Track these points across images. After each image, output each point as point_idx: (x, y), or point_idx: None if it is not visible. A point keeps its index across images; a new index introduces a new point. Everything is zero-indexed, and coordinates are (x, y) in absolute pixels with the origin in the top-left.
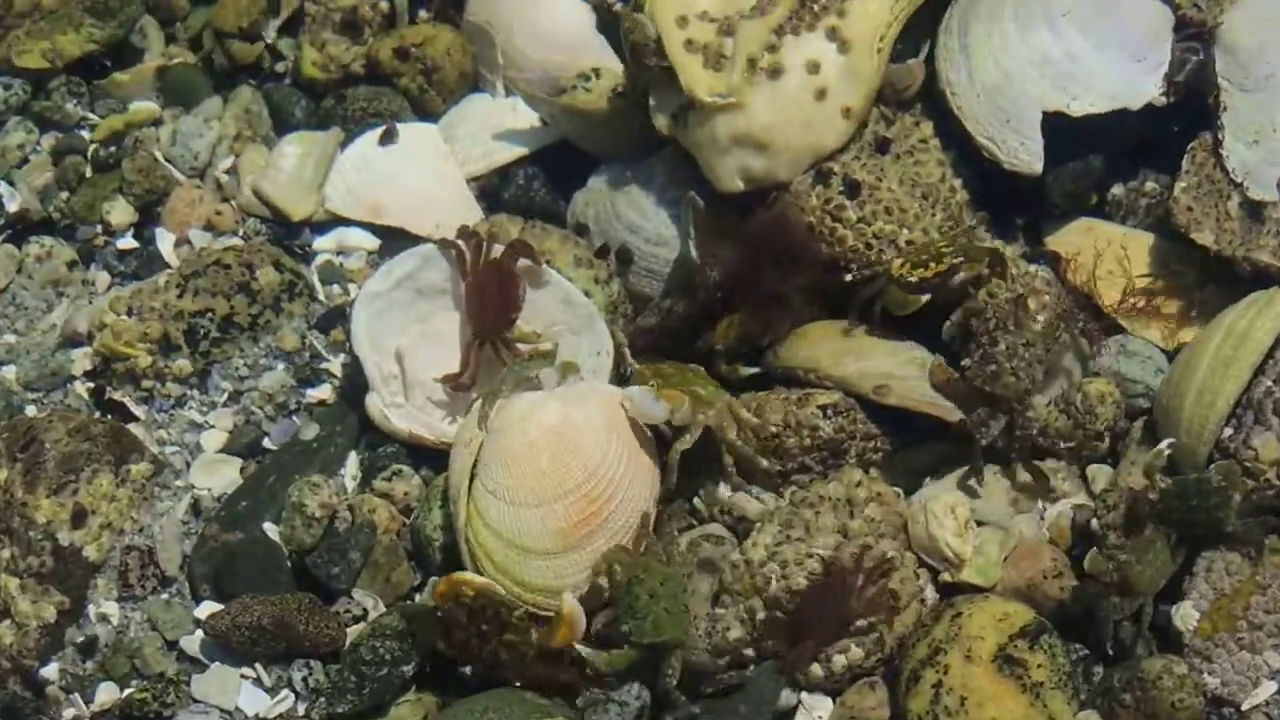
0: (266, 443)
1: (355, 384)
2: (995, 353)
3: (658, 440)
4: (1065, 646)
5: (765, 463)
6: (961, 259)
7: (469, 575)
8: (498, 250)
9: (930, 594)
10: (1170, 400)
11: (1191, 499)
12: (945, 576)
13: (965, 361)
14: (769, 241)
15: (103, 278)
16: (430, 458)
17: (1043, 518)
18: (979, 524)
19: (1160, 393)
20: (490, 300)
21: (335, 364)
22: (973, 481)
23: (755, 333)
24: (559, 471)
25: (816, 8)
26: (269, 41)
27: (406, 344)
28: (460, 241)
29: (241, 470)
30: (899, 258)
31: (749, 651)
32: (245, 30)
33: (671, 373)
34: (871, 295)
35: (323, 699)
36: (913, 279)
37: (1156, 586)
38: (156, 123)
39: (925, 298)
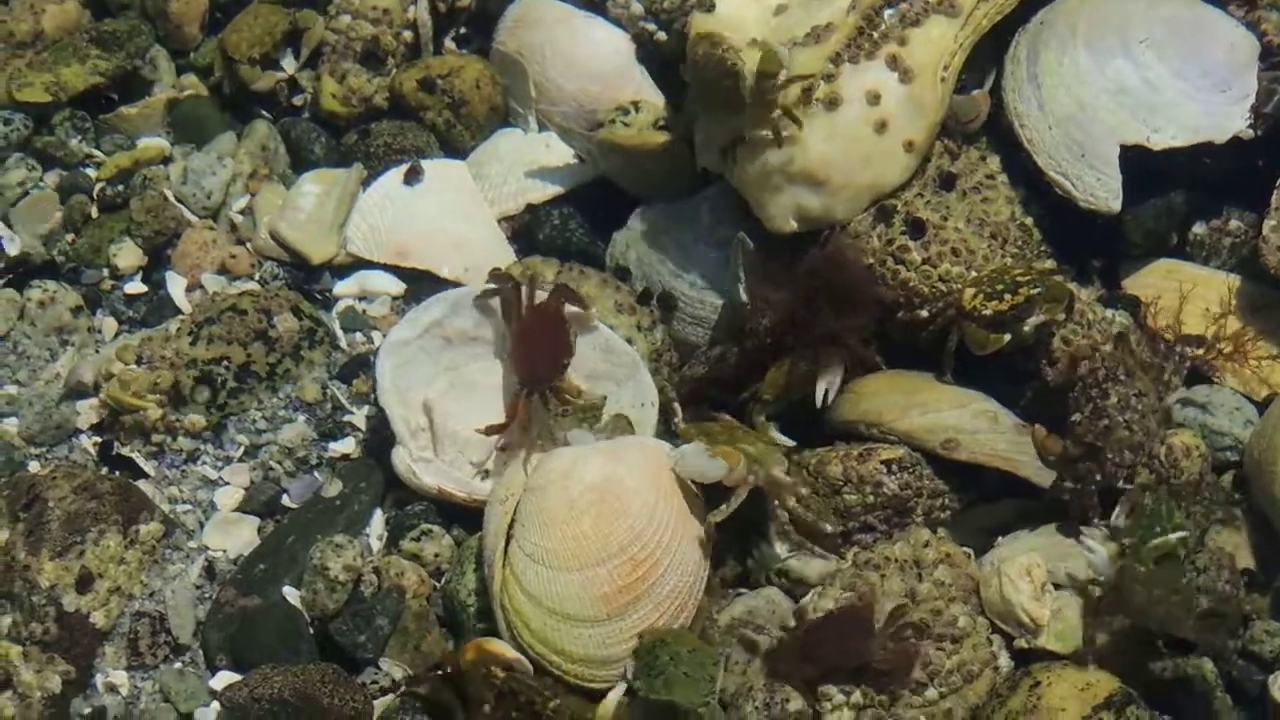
0: (285, 500)
1: (380, 437)
2: (1107, 406)
3: (707, 500)
4: (1152, 715)
5: (829, 526)
6: (1039, 290)
7: (499, 646)
8: (540, 296)
9: (1005, 661)
10: (1263, 454)
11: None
12: (1021, 643)
13: (1075, 417)
14: (823, 282)
15: (110, 324)
16: (462, 516)
17: None
18: (1056, 587)
19: (1251, 445)
20: (540, 347)
21: (359, 416)
22: (1072, 540)
23: (806, 384)
24: (602, 534)
25: (876, 35)
26: (287, 74)
27: (435, 395)
28: (505, 285)
29: (259, 530)
30: (970, 287)
31: None
32: (258, 60)
33: (719, 430)
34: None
35: None
36: (987, 312)
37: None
38: (166, 160)
39: (1007, 337)
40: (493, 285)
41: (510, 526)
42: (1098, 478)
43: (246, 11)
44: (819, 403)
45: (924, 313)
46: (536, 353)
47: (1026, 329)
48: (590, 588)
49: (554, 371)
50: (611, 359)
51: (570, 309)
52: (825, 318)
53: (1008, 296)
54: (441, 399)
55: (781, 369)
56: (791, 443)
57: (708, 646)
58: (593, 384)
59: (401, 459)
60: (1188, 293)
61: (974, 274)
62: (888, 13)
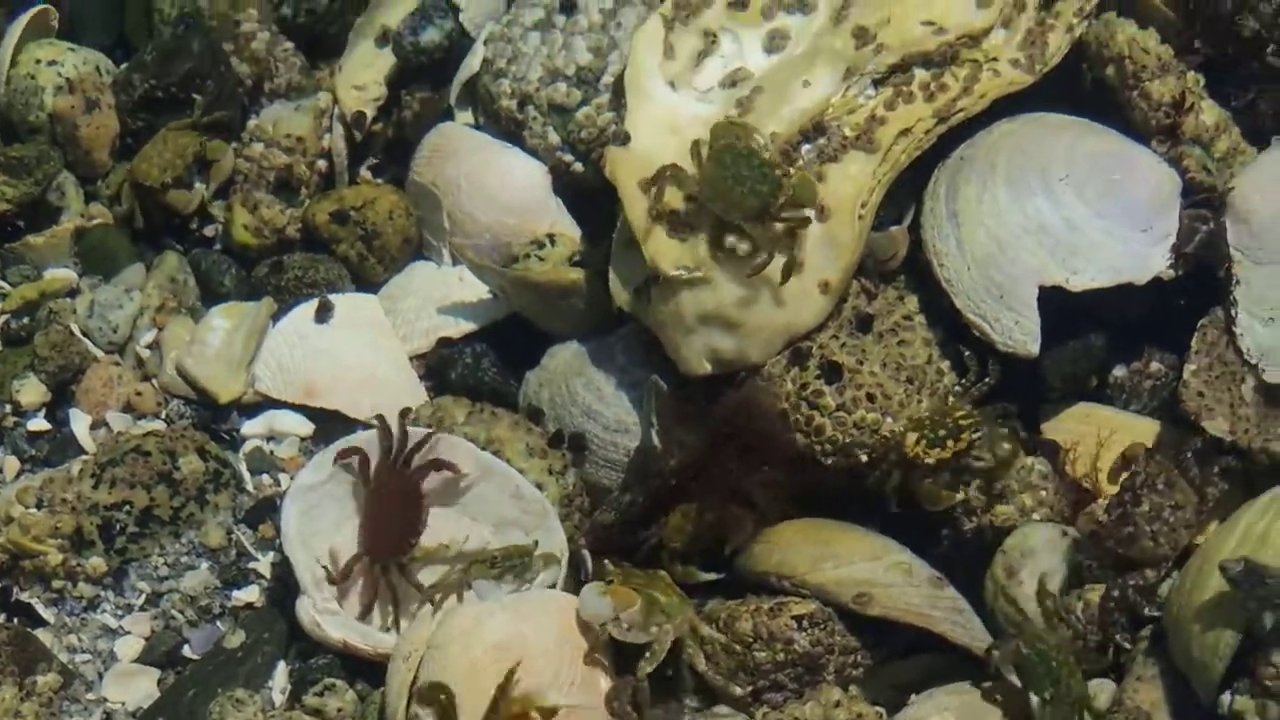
0: (187, 651)
1: (285, 586)
2: (1136, 514)
3: (619, 658)
4: None
5: (739, 690)
6: (981, 435)
7: None
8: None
9: None
10: (1181, 610)
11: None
12: None
13: (1102, 517)
14: (734, 428)
15: (11, 464)
16: (367, 670)
17: None
18: None
19: (1169, 600)
20: (389, 521)
21: (264, 563)
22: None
23: (713, 532)
24: None
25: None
26: (209, 192)
27: (341, 543)
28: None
29: (159, 682)
30: (912, 431)
31: None
32: (170, 185)
33: (639, 579)
34: (892, 487)
35: None
36: (929, 460)
37: None
38: (73, 292)
39: (960, 495)
40: (347, 453)
41: (413, 685)
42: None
43: (155, 139)
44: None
45: (859, 458)
46: (384, 526)
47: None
48: None
49: (398, 550)
50: (521, 505)
51: (440, 474)
52: (733, 471)
53: (950, 442)
54: (347, 547)
55: (687, 516)
56: (713, 576)
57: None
58: (501, 531)
59: (305, 610)
60: (1105, 438)
61: (889, 419)
62: (805, 148)
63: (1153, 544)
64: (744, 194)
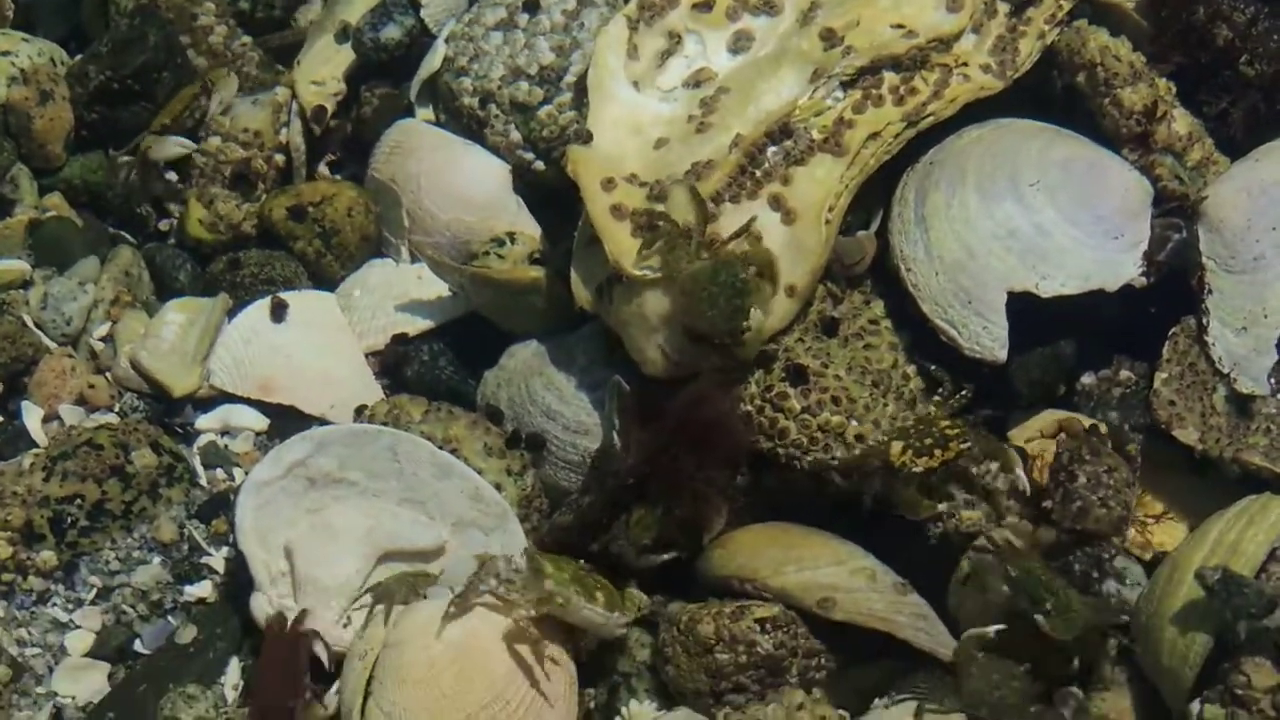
0: (138, 646)
1: (239, 581)
2: (1077, 488)
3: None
4: None
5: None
6: (969, 445)
7: None
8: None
9: None
10: (1150, 619)
11: None
12: None
13: (1046, 504)
14: (686, 427)
15: None
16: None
17: None
18: None
19: (1139, 609)
20: (272, 687)
21: (217, 558)
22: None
23: (682, 526)
24: (462, 693)
25: (759, 173)
26: (195, 148)
27: (297, 538)
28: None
29: (110, 677)
30: (897, 440)
31: None
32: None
33: (574, 569)
34: (874, 495)
35: None
36: (917, 469)
37: None
38: (26, 284)
39: (943, 506)
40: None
41: (369, 683)
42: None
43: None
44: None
45: (829, 463)
46: (268, 689)
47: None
48: None
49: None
50: (480, 507)
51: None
52: (685, 466)
53: (938, 452)
54: (303, 543)
55: (652, 513)
56: (671, 555)
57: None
58: (459, 531)
59: (260, 606)
60: None
61: (854, 423)
62: (771, 150)
63: (1105, 510)
64: (714, 317)
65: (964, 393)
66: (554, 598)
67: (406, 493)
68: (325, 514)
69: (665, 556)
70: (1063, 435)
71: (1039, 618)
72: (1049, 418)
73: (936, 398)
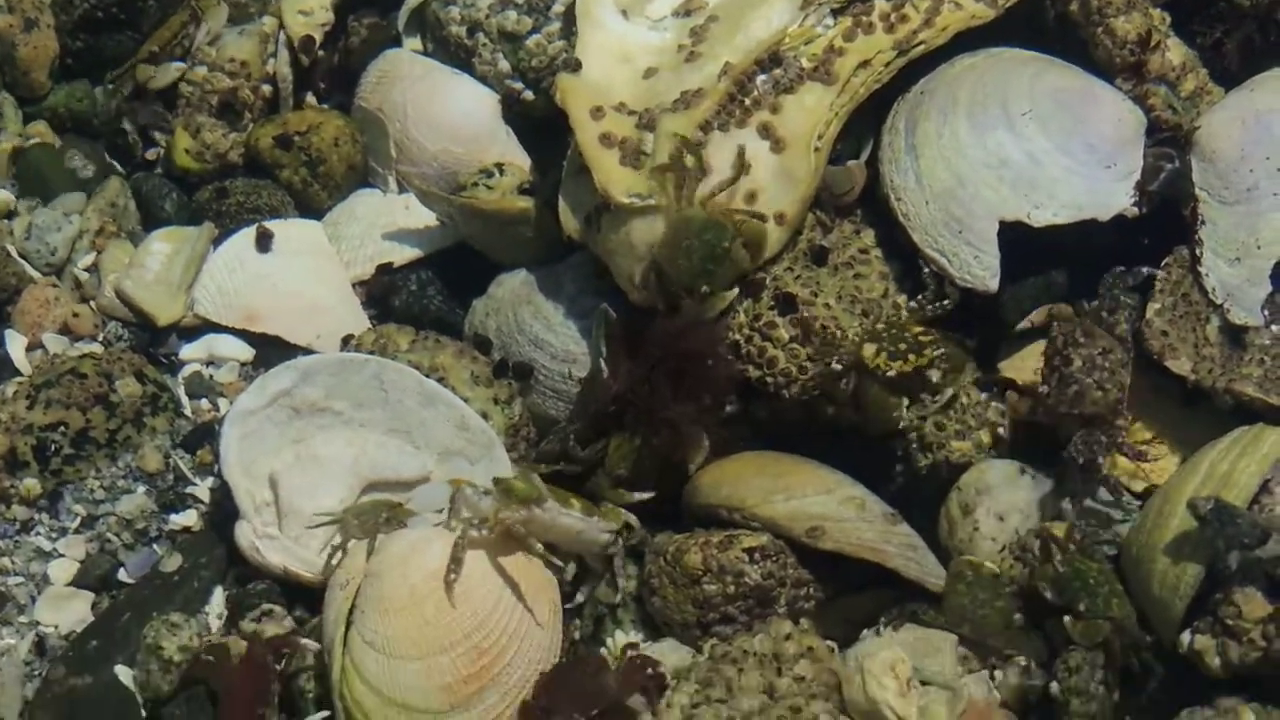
0: (122, 574)
1: (224, 511)
2: (1073, 372)
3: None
4: None
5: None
6: (943, 352)
7: None
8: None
9: None
10: (1141, 550)
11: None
12: None
13: (1042, 388)
14: (670, 356)
15: None
16: (306, 596)
17: (994, 678)
18: (923, 683)
19: (1130, 540)
20: (238, 695)
21: (202, 488)
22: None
23: (660, 456)
24: (444, 620)
25: (748, 101)
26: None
27: (281, 468)
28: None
29: (93, 605)
30: (869, 342)
31: None
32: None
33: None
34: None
35: None
36: (890, 372)
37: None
38: (10, 213)
39: (909, 412)
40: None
41: (351, 612)
42: (1096, 441)
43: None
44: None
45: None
46: (233, 705)
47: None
48: (433, 677)
49: None
50: (466, 436)
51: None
52: (661, 396)
53: (912, 357)
54: (288, 472)
55: (631, 443)
56: (646, 496)
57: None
58: (445, 460)
59: (245, 535)
60: None
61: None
62: (760, 79)
63: (1101, 392)
64: (684, 268)
65: (945, 303)
66: (527, 504)
67: (393, 422)
68: (310, 444)
69: (640, 496)
70: (1055, 322)
71: (1066, 618)
72: (1041, 349)
73: (914, 303)
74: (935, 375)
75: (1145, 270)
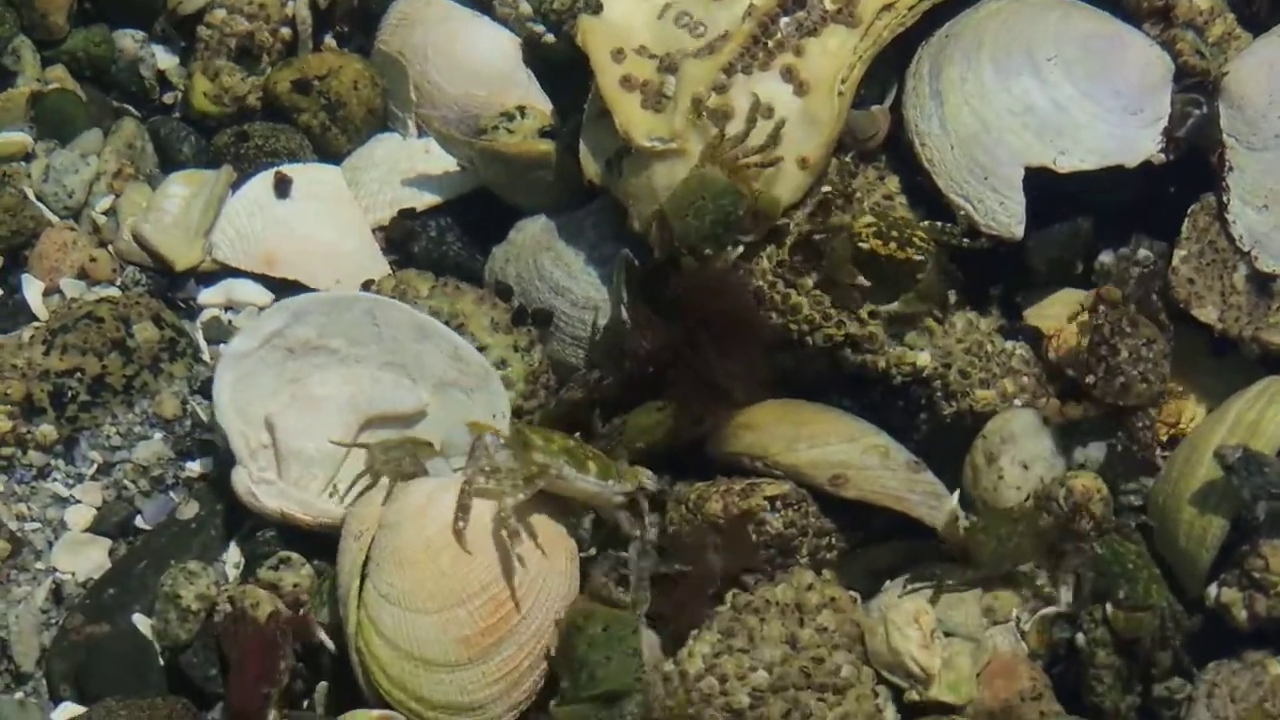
0: (139, 522)
1: (224, 458)
2: (1120, 363)
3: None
4: None
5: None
6: (923, 260)
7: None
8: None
9: (891, 715)
10: (1168, 500)
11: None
12: (911, 695)
13: (1089, 379)
14: (704, 313)
15: None
16: (325, 545)
17: (1020, 629)
18: (947, 635)
19: (1156, 490)
20: (246, 676)
21: (219, 434)
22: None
23: (688, 427)
24: (461, 572)
25: (771, 44)
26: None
27: (277, 409)
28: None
29: (110, 553)
30: (868, 215)
31: None
32: None
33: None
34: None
35: None
36: (865, 245)
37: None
38: (28, 156)
39: (860, 280)
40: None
41: (365, 564)
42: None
43: None
44: None
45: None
46: (242, 678)
47: (923, 355)
48: (449, 630)
49: (251, 703)
50: (460, 367)
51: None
52: (709, 359)
53: (893, 246)
54: (284, 414)
55: (663, 414)
56: (646, 472)
57: (620, 615)
58: (440, 392)
59: (241, 480)
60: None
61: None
62: (784, 21)
63: (1145, 384)
64: (689, 225)
65: (954, 228)
66: (546, 469)
67: (387, 356)
68: (306, 383)
69: (650, 486)
70: (1102, 307)
71: (1108, 606)
72: (1066, 297)
73: (937, 224)
74: (905, 282)
75: (1144, 254)
